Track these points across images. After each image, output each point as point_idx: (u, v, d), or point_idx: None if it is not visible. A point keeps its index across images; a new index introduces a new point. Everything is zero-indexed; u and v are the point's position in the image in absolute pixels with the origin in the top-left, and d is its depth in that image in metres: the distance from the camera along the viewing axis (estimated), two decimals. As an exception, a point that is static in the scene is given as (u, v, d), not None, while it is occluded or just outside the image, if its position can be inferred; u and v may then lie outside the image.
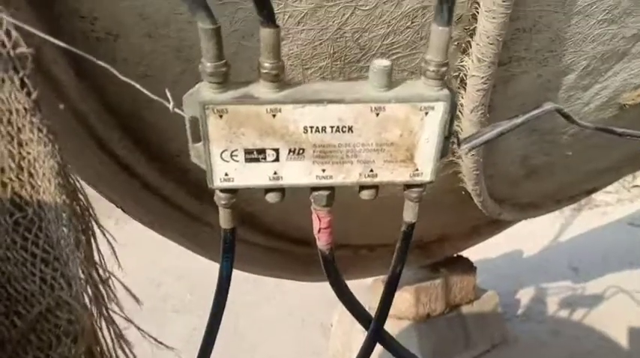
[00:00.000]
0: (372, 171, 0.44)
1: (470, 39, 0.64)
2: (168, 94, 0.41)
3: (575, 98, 0.80)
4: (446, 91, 0.41)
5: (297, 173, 0.43)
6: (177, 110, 0.40)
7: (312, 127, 0.41)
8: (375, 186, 0.46)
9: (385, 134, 0.42)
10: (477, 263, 1.86)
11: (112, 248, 0.41)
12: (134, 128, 0.64)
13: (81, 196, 0.40)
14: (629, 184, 3.36)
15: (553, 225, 2.86)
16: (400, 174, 0.45)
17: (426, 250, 1.66)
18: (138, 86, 0.40)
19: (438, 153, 0.44)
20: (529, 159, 1.00)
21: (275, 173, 0.43)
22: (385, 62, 0.40)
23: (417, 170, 0.45)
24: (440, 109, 0.41)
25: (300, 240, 1.12)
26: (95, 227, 0.40)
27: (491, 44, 0.61)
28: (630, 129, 0.60)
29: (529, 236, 2.62)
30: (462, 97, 0.73)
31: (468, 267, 1.76)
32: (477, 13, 0.58)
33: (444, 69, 0.40)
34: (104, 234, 0.41)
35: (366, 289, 1.74)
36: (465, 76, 0.69)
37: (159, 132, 0.65)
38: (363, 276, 1.53)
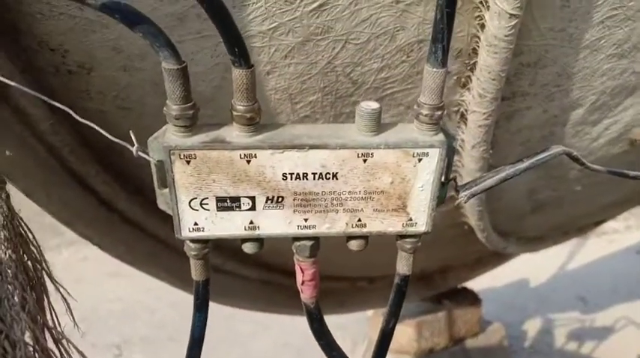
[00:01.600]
0: (360, 220, 0.40)
1: (470, 73, 0.60)
2: (133, 136, 0.37)
3: (584, 133, 0.76)
4: (441, 136, 0.37)
5: (276, 222, 0.39)
6: (141, 154, 0.36)
7: (291, 174, 0.37)
8: (364, 236, 0.42)
9: (374, 181, 0.38)
10: (482, 292, 1.80)
11: (68, 305, 0.37)
12: (113, 162, 0.60)
13: (33, 248, 0.36)
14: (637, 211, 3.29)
15: (559, 253, 2.79)
16: (392, 224, 0.41)
17: (428, 281, 1.61)
18: (97, 128, 0.37)
19: (433, 202, 0.40)
20: (535, 193, 0.95)
21: (251, 222, 0.39)
22: (373, 105, 0.36)
23: (410, 220, 0.40)
24: (435, 156, 0.37)
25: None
26: (48, 282, 0.36)
27: (493, 80, 0.57)
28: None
29: (535, 264, 2.55)
30: (463, 133, 0.69)
31: (472, 298, 1.70)
32: (478, 47, 0.54)
33: (438, 113, 0.36)
34: (59, 290, 0.37)
35: (366, 320, 1.68)
36: (466, 111, 0.65)
37: (139, 167, 0.62)
38: (361, 309, 1.48)
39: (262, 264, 1.09)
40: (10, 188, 0.40)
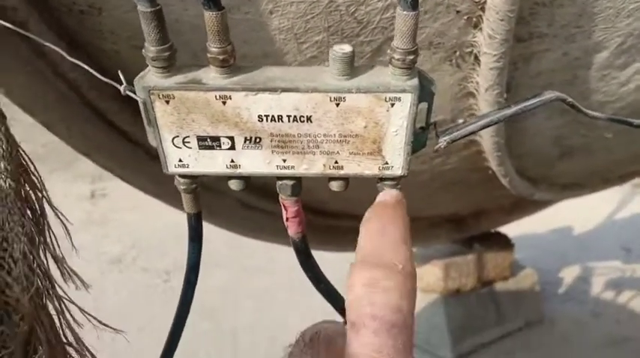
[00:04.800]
0: (336, 162, 0.41)
1: (481, 13, 0.58)
2: (121, 76, 0.39)
3: (611, 77, 0.72)
4: (415, 81, 0.37)
5: (255, 162, 0.41)
6: (128, 93, 0.39)
7: (267, 116, 0.38)
8: (343, 178, 0.43)
9: (348, 125, 0.39)
10: (521, 238, 1.79)
11: (67, 229, 0.41)
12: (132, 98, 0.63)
13: (34, 178, 0.40)
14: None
15: (609, 201, 2.69)
16: (368, 167, 0.42)
17: (459, 224, 1.61)
18: (87, 67, 0.39)
19: (408, 146, 0.40)
20: (563, 139, 0.92)
21: (232, 161, 0.41)
22: (346, 48, 0.36)
23: (386, 163, 0.41)
24: (407, 101, 0.38)
25: (318, 210, 1.11)
26: (48, 209, 0.40)
27: (501, 20, 0.56)
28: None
29: (582, 212, 2.48)
30: (477, 75, 0.67)
31: (504, 243, 1.70)
32: (485, -15, 0.52)
33: (411, 57, 0.36)
34: (58, 216, 0.41)
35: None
36: (479, 52, 0.64)
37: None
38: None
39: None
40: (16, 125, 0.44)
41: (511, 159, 0.90)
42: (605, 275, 2.13)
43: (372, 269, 0.33)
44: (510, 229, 1.78)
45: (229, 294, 2.10)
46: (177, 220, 0.73)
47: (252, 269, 2.25)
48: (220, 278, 2.14)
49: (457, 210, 1.52)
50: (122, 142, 0.71)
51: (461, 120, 0.48)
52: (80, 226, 2.63)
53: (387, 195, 0.40)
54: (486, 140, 0.80)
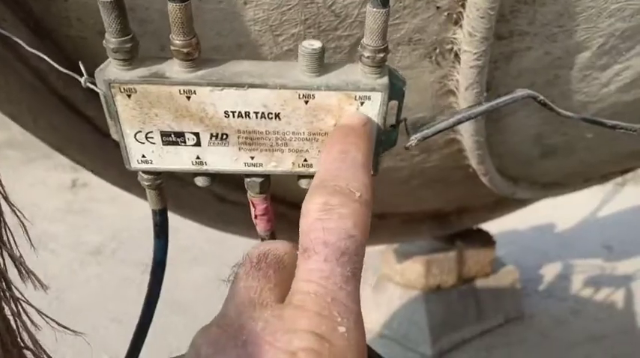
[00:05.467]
0: (306, 160, 0.40)
1: (462, 9, 0.57)
2: (82, 67, 0.38)
3: (592, 78, 0.72)
4: (385, 80, 0.36)
5: (222, 159, 0.40)
6: (89, 85, 0.37)
7: (233, 112, 0.37)
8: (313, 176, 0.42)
9: (317, 123, 0.38)
10: (503, 235, 1.80)
11: (25, 228, 0.39)
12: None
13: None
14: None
15: (591, 199, 2.72)
16: (339, 166, 0.40)
17: (442, 221, 1.61)
18: (45, 57, 0.37)
19: (378, 146, 0.39)
20: (543, 138, 0.92)
21: (198, 157, 0.40)
22: (316, 44, 0.35)
23: (357, 162, 0.40)
24: (377, 99, 0.37)
25: (296, 204, 1.09)
26: (3, 204, 0.38)
27: (482, 18, 0.55)
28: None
29: (563, 210, 2.50)
30: (458, 73, 0.66)
31: (486, 240, 1.70)
32: (464, -19, 0.51)
33: (381, 55, 0.35)
34: (15, 212, 0.39)
35: (378, 253, 1.72)
36: (459, 50, 0.62)
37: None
38: (372, 244, 1.51)
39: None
40: None
41: (492, 158, 0.89)
42: (586, 273, 2.15)
43: (328, 195, 0.32)
44: (492, 226, 1.78)
45: (205, 289, 2.09)
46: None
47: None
48: (200, 274, 2.13)
49: (439, 206, 1.52)
50: (91, 134, 0.69)
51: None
52: (60, 216, 2.59)
53: (354, 117, 0.37)
54: (467, 138, 0.79)
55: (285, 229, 1.18)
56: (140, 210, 2.33)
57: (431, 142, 0.88)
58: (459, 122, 0.41)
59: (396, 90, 0.37)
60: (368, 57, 0.35)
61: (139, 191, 0.76)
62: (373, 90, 0.36)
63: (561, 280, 2.13)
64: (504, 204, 1.63)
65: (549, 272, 2.18)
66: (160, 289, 0.48)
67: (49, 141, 0.62)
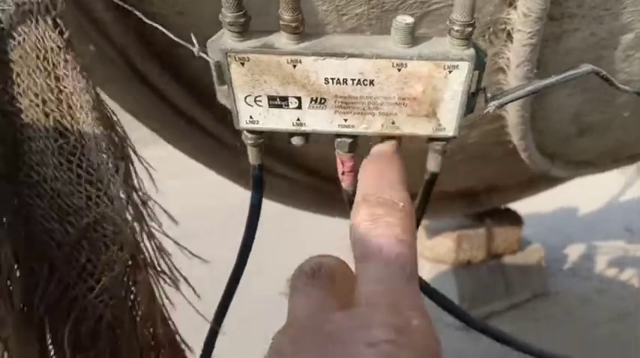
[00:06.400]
0: (394, 122, 0.45)
1: (518, -10, 0.61)
2: (194, 39, 0.43)
3: (634, 58, 0.76)
4: (471, 51, 0.41)
5: (319, 121, 0.45)
6: (202, 54, 0.42)
7: (332, 79, 0.42)
8: (398, 138, 0.47)
9: (407, 89, 0.43)
10: (528, 216, 1.83)
11: (150, 175, 0.45)
12: (173, 63, 0.67)
13: (118, 128, 0.44)
14: None
15: (614, 183, 2.73)
16: (423, 128, 0.45)
17: (472, 199, 1.65)
18: (163, 29, 0.42)
19: (461, 110, 0.44)
20: (582, 116, 0.96)
21: (298, 119, 0.45)
22: (408, 19, 0.40)
23: (439, 125, 0.45)
24: (464, 68, 0.41)
25: (331, 178, 1.15)
26: (133, 155, 0.44)
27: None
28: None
29: (586, 193, 2.52)
30: (509, 51, 0.71)
31: (514, 219, 1.74)
32: (525, -36, 0.55)
33: (469, 29, 0.40)
34: (141, 162, 0.45)
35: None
36: (512, 29, 0.67)
37: (195, 69, 0.68)
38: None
39: (310, 170, 1.17)
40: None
41: (533, 134, 0.93)
42: (609, 254, 2.18)
43: (373, 207, 0.34)
44: (518, 207, 1.82)
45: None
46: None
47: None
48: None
49: (474, 183, 1.56)
50: (164, 106, 0.74)
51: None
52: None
53: (385, 144, 0.42)
54: (512, 114, 0.83)
55: (321, 200, 1.23)
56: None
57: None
58: (534, 92, 0.46)
59: (479, 61, 0.42)
60: (457, 30, 0.40)
61: (209, 162, 0.83)
62: (461, 60, 0.41)
63: (585, 260, 2.17)
64: (534, 184, 1.67)
65: (573, 252, 2.22)
66: (256, 229, 0.53)
67: (126, 107, 0.67)
